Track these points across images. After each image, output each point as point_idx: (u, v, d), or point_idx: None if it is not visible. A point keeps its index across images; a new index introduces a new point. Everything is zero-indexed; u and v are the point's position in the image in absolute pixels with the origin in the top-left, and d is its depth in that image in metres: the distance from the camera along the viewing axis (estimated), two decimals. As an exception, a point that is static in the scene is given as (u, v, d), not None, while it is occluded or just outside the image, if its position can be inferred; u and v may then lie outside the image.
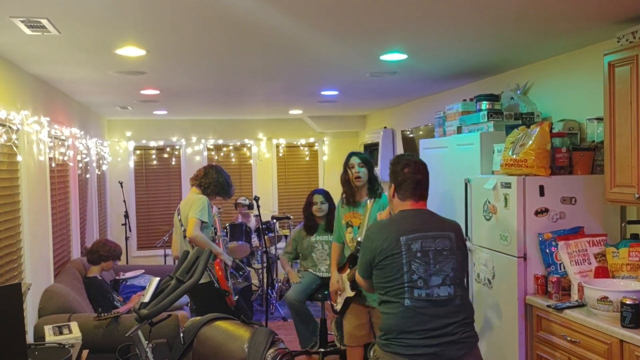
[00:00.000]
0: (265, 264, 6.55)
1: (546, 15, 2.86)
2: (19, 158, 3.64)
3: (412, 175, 2.69)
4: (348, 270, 3.80)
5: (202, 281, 4.16)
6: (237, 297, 4.43)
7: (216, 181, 4.45)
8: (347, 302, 3.84)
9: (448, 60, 3.99)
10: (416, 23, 2.93)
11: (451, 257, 2.54)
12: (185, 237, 4.25)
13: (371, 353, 2.61)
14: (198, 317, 2.39)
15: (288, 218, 7.28)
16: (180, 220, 4.36)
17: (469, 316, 2.57)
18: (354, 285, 3.66)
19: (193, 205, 4.25)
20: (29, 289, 3.58)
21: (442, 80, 4.88)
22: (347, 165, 3.88)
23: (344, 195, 3.95)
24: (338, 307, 3.93)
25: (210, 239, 4.27)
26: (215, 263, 4.25)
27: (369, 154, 7.37)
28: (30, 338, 3.67)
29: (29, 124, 3.82)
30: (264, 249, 6.13)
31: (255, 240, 6.81)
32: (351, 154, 3.93)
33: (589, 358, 2.74)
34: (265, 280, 6.56)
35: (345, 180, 3.89)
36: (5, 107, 3.35)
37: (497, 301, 3.48)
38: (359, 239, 3.66)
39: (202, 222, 4.18)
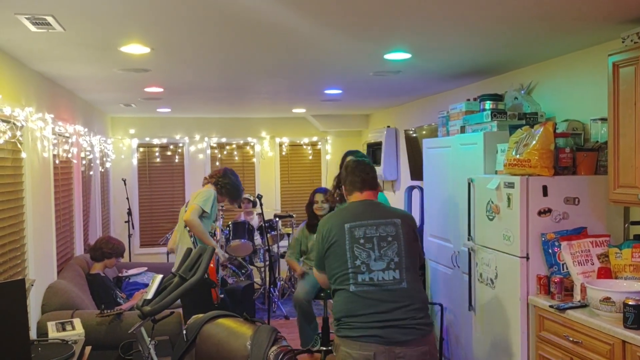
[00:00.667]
0: (267, 262, 6.56)
1: (551, 15, 2.85)
2: (23, 155, 3.65)
3: (352, 170, 2.92)
4: None
5: None
6: (222, 295, 4.45)
7: (233, 184, 4.60)
8: None
9: (452, 59, 3.98)
10: (420, 22, 2.93)
11: (395, 242, 2.63)
12: (185, 227, 4.31)
13: (333, 347, 2.70)
14: (201, 315, 2.40)
15: (291, 216, 7.29)
16: (185, 211, 4.45)
17: (419, 302, 2.61)
18: None
19: (199, 194, 4.40)
20: (32, 285, 3.59)
21: (445, 79, 4.87)
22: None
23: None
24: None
25: (210, 234, 4.36)
26: None
27: (372, 153, 7.38)
28: (33, 334, 3.68)
29: (33, 121, 3.83)
30: (267, 248, 6.13)
31: (257, 239, 6.82)
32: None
33: (591, 358, 2.74)
34: (267, 278, 6.57)
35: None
36: (10, 104, 3.36)
37: (500, 301, 3.47)
38: None
39: (204, 211, 4.29)
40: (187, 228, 4.31)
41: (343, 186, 2.96)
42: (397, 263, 2.60)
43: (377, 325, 2.48)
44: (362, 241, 2.62)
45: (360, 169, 2.92)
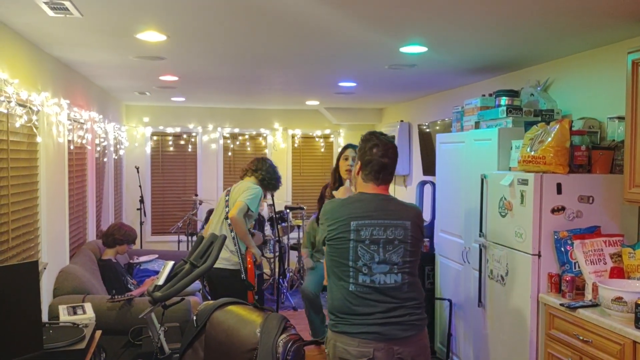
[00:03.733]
0: (277, 254, 6.58)
1: (570, 11, 2.82)
2: (39, 139, 3.68)
3: (378, 158, 2.58)
4: None
5: (228, 267, 4.17)
6: (257, 297, 4.39)
7: (273, 174, 4.47)
8: None
9: (468, 54, 3.95)
10: (438, 15, 2.91)
11: (401, 246, 2.51)
12: (226, 217, 4.21)
13: (325, 340, 2.62)
14: (211, 301, 2.42)
15: (301, 209, 7.30)
16: (227, 200, 4.31)
17: (418, 300, 2.55)
18: None
19: (247, 190, 4.22)
20: (45, 268, 3.62)
21: (461, 74, 4.84)
22: (342, 155, 4.10)
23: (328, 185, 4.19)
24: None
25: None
26: (247, 255, 4.24)
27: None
28: (44, 317, 3.72)
29: (49, 106, 3.86)
30: (277, 239, 6.15)
31: (268, 230, 6.84)
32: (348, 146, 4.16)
33: (601, 358, 2.72)
34: (277, 269, 6.59)
35: (335, 169, 4.13)
36: (26, 88, 3.38)
37: (510, 298, 3.46)
38: None
39: (249, 209, 4.16)
40: (229, 221, 4.20)
41: (359, 167, 2.63)
42: (400, 266, 2.50)
43: (377, 322, 2.44)
44: (367, 242, 2.48)
45: (389, 157, 2.60)
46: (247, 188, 4.26)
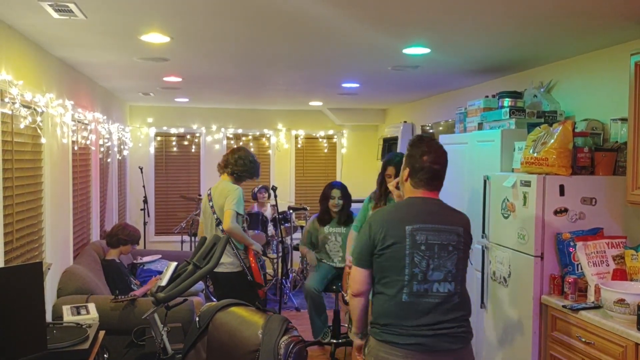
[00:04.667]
0: (280, 254, 6.59)
1: (574, 13, 2.82)
2: (43, 140, 3.70)
3: (430, 165, 2.45)
4: None
5: (233, 270, 4.15)
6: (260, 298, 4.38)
7: (243, 165, 4.33)
8: None
9: (471, 55, 3.95)
10: (441, 16, 2.92)
11: (455, 253, 2.39)
12: (218, 225, 4.19)
13: (365, 349, 2.51)
14: (214, 302, 2.42)
15: (304, 209, 7.30)
16: (212, 207, 4.26)
17: (467, 312, 2.46)
18: None
19: (229, 196, 4.14)
20: (49, 268, 3.65)
21: (464, 75, 4.84)
22: (384, 173, 3.79)
23: (376, 192, 3.89)
24: (348, 298, 3.93)
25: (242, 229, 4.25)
26: (249, 254, 4.20)
27: (388, 148, 7.36)
28: (48, 317, 3.74)
29: (53, 107, 3.87)
30: (280, 239, 6.16)
31: (271, 230, 6.85)
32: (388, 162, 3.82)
33: (603, 360, 2.72)
34: (280, 270, 6.59)
35: (381, 182, 3.83)
36: (31, 90, 3.40)
37: (512, 300, 3.46)
38: None
39: (238, 214, 4.12)
40: (221, 228, 4.15)
41: (407, 174, 2.50)
42: (454, 275, 2.38)
43: (426, 334, 2.32)
44: (423, 247, 2.33)
45: (441, 163, 2.50)
46: (227, 193, 4.17)
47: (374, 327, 2.43)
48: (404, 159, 2.56)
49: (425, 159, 2.46)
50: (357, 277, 2.47)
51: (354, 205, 5.09)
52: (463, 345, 2.41)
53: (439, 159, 2.49)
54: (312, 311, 4.89)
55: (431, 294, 2.35)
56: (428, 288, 2.34)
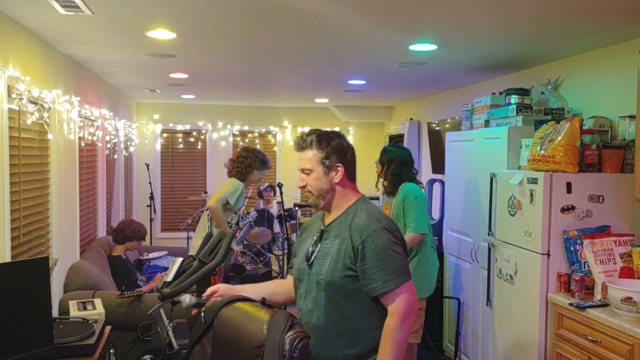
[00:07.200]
0: (286, 251, 6.59)
1: (581, 9, 2.80)
2: (50, 136, 3.71)
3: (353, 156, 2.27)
4: None
5: None
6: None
7: (243, 162, 4.58)
8: None
9: (478, 52, 3.94)
10: (448, 13, 2.90)
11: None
12: (209, 221, 4.36)
13: None
14: (219, 298, 2.43)
15: (310, 206, 7.29)
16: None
17: None
18: None
19: (227, 184, 4.46)
20: (55, 264, 3.66)
21: (471, 72, 4.82)
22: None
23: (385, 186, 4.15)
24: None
25: (229, 225, 4.39)
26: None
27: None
28: (55, 312, 3.76)
29: (60, 103, 3.88)
30: (285, 236, 6.16)
31: (276, 227, 6.85)
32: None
33: (610, 358, 2.71)
34: (285, 266, 6.60)
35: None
36: (38, 86, 3.41)
37: (519, 297, 3.45)
38: None
39: (227, 202, 4.33)
40: (209, 212, 4.39)
41: (345, 169, 2.32)
42: None
43: None
44: None
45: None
46: (225, 184, 4.49)
47: None
48: (334, 150, 2.34)
49: (352, 150, 2.36)
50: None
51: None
52: None
53: None
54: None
55: None
56: None
